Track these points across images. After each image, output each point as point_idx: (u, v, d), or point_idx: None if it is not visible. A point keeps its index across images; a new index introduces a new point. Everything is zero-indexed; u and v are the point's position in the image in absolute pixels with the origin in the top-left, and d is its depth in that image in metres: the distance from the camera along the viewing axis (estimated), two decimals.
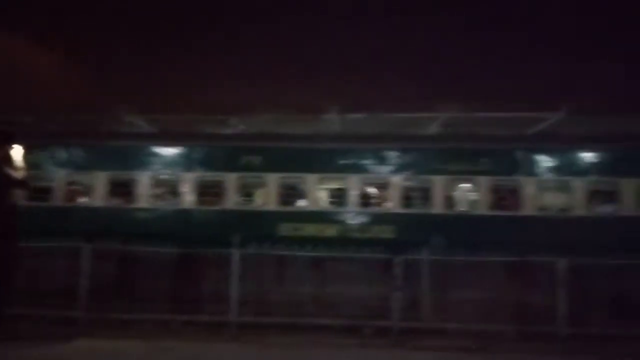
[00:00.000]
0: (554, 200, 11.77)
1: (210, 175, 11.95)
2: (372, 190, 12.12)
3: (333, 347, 7.96)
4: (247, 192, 12.23)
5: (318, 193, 11.88)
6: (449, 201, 11.84)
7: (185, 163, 12.13)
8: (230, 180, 11.78)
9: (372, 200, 12.05)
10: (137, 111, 12.07)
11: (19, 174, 6.58)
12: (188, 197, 11.88)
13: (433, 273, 8.95)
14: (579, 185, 11.34)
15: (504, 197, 11.66)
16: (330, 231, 11.38)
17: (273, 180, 11.70)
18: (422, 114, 11.73)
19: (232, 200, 11.85)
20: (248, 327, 8.58)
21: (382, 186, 11.93)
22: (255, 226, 11.30)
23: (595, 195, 11.56)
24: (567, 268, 8.41)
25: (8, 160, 6.46)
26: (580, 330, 8.34)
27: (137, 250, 9.03)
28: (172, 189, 12.18)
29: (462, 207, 11.89)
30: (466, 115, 11.51)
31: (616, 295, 8.66)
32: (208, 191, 11.96)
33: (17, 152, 6.62)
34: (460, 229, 11.26)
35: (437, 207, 11.49)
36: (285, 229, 11.40)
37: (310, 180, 11.61)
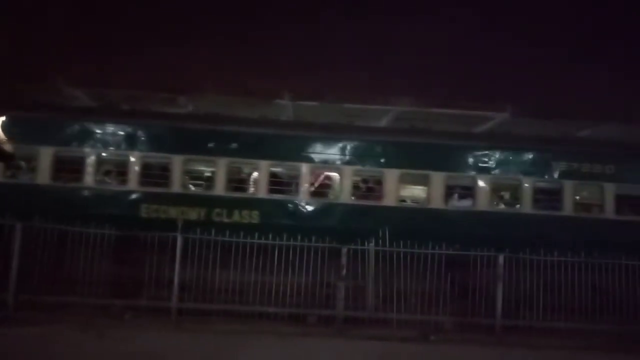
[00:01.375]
0: (414, 192, 11.94)
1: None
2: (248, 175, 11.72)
3: (275, 335, 7.93)
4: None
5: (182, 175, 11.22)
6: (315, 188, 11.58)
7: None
8: None
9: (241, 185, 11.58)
10: (77, 83, 11.34)
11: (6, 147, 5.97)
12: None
13: (378, 264, 9.07)
14: (437, 179, 11.41)
15: (371, 187, 11.70)
16: (193, 214, 10.91)
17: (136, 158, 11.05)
18: (375, 106, 11.78)
19: None
20: (189, 313, 8.39)
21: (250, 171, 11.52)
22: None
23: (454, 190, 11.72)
24: (504, 263, 8.78)
25: None
26: (516, 322, 8.76)
27: (75, 230, 8.54)
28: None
29: (331, 196, 11.69)
30: (418, 110, 11.66)
31: (550, 288, 9.10)
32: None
33: None
34: (325, 215, 11.19)
35: (303, 195, 11.22)
36: (146, 211, 10.77)
37: (175, 162, 11.06)
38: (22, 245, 8.29)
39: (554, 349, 8.09)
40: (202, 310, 8.49)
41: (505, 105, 11.75)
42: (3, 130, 6.08)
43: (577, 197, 11.70)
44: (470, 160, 11.71)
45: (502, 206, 11.98)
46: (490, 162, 11.70)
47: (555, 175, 11.62)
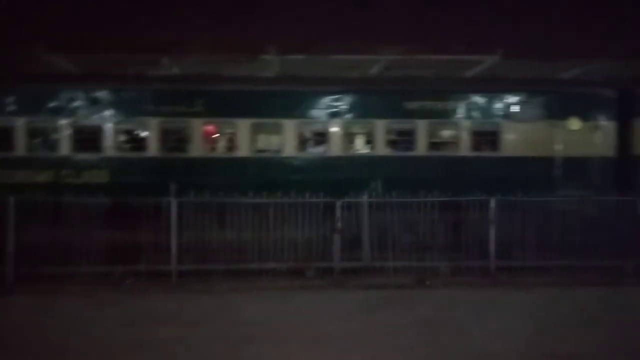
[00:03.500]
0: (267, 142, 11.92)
1: None
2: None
3: (275, 290, 8.10)
4: None
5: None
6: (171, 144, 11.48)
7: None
8: None
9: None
10: (57, 49, 11.03)
11: None
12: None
13: (372, 214, 9.16)
14: (290, 126, 11.39)
15: (229, 139, 11.66)
16: (43, 177, 10.73)
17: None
18: (364, 57, 11.58)
19: None
20: (190, 275, 8.53)
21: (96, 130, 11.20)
22: None
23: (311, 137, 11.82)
24: (496, 206, 8.88)
25: None
26: (508, 263, 8.96)
27: (67, 201, 8.54)
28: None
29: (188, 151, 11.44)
30: (408, 58, 11.48)
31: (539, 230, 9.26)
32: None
33: None
34: (181, 171, 11.06)
35: (152, 150, 11.13)
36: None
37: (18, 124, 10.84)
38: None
39: (546, 286, 8.33)
40: (202, 271, 8.60)
41: (495, 48, 11.57)
42: None
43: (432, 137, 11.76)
44: (323, 106, 11.59)
45: (360, 150, 11.91)
46: (343, 107, 11.64)
47: (408, 115, 11.62)
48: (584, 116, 11.79)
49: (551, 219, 9.03)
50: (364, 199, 9.25)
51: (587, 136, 11.67)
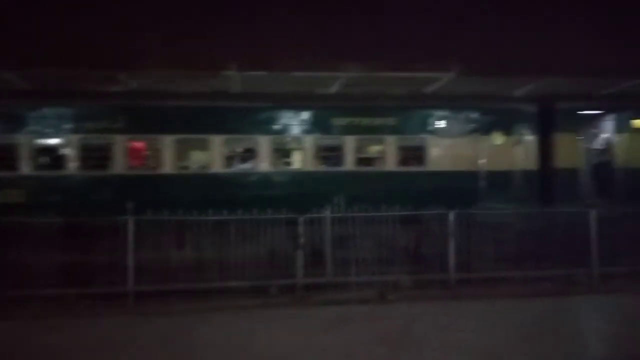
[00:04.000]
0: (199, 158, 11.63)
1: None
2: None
3: (236, 310, 7.97)
4: None
5: None
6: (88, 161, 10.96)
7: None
8: None
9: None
10: (7, 65, 10.67)
11: None
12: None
13: (334, 230, 9.19)
14: (216, 142, 11.16)
15: (154, 155, 11.29)
16: None
17: None
18: (324, 74, 11.67)
19: None
20: (147, 296, 8.30)
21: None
22: None
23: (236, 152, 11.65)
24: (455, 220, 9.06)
25: None
26: (468, 275, 9.12)
27: (17, 221, 8.20)
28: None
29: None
30: (367, 75, 11.64)
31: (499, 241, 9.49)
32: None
33: None
34: (100, 190, 10.76)
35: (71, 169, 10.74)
36: None
37: None
38: None
39: (503, 298, 8.51)
40: (161, 291, 8.39)
41: (451, 65, 11.88)
42: None
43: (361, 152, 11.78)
44: (251, 121, 11.54)
45: (289, 166, 11.86)
46: (272, 122, 11.63)
47: (337, 131, 11.70)
48: (507, 131, 12.04)
49: (507, 232, 9.28)
50: (327, 214, 9.26)
51: (510, 150, 11.93)
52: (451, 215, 9.08)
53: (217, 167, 11.36)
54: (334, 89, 12.63)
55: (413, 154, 11.88)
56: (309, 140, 11.65)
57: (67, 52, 11.42)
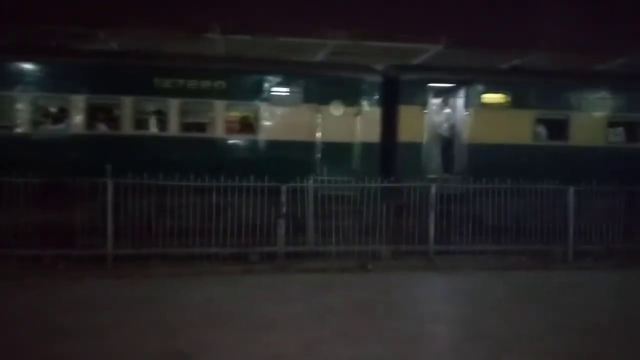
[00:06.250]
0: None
1: None
2: None
3: (216, 275, 7.99)
4: None
5: None
6: None
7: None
8: None
9: None
10: None
11: None
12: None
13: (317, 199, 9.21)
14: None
15: None
16: None
17: None
18: (311, 40, 11.46)
19: None
20: (127, 260, 8.25)
21: None
22: None
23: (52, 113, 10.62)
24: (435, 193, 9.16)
25: None
26: (447, 247, 9.28)
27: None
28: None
29: None
30: (353, 44, 11.47)
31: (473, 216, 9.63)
32: None
33: None
34: None
35: None
36: None
37: None
38: None
39: (477, 270, 8.71)
40: (141, 255, 8.35)
41: (439, 37, 11.78)
42: None
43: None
44: (68, 79, 10.41)
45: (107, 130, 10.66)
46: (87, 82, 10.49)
47: (159, 93, 10.60)
48: (349, 101, 11.12)
49: (487, 206, 9.42)
50: (310, 183, 9.25)
51: (352, 121, 11.10)
52: (433, 188, 9.16)
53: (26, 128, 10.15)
54: (319, 56, 12.45)
55: (245, 121, 11.09)
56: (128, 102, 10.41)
57: (48, 8, 10.95)
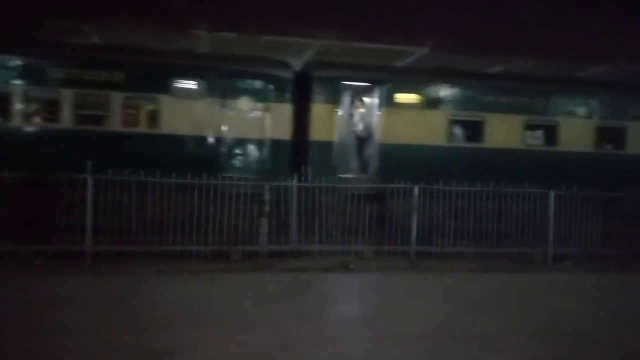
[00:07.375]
0: None
1: None
2: None
3: (197, 273, 7.92)
4: None
5: None
6: None
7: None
8: None
9: None
10: None
11: None
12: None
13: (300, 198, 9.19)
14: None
15: None
16: None
17: None
18: (298, 39, 11.42)
19: None
20: (106, 257, 8.12)
21: None
22: None
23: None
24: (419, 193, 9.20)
25: None
26: (429, 248, 9.33)
27: None
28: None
29: None
30: (339, 44, 11.46)
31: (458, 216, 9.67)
32: None
33: None
34: None
35: None
36: None
37: None
38: None
39: (461, 272, 8.76)
40: (120, 252, 8.23)
41: (425, 40, 11.83)
42: None
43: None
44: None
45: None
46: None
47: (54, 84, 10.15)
48: (258, 97, 10.83)
49: (469, 208, 9.49)
50: (293, 182, 9.23)
51: (260, 118, 10.79)
52: (416, 189, 9.18)
53: None
54: (306, 55, 12.43)
55: (144, 115, 10.58)
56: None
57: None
